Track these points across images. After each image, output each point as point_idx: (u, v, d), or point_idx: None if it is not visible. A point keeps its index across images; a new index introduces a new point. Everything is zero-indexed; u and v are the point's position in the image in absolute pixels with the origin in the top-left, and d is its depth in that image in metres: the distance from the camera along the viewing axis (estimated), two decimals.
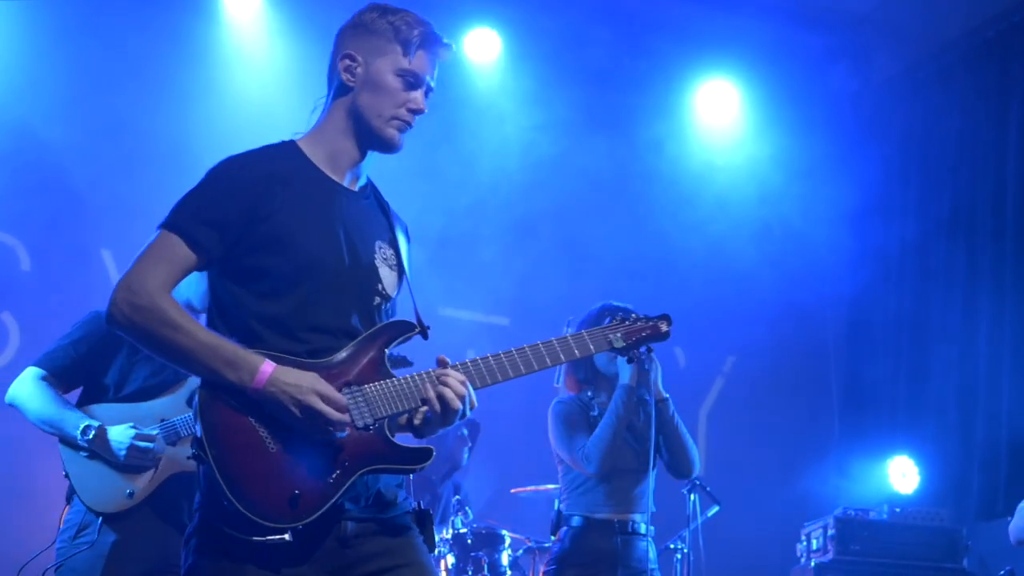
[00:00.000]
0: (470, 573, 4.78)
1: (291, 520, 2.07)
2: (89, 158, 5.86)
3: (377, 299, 2.29)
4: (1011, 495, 5.71)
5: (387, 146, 2.31)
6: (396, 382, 2.20)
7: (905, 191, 6.84)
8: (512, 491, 5.63)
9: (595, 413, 4.12)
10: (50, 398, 3.36)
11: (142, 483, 3.33)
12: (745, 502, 5.72)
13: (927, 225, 6.59)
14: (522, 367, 2.30)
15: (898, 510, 5.48)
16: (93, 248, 6.03)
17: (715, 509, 4.95)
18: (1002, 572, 4.68)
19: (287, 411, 2.09)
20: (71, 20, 5.97)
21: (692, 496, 4.78)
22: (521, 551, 5.13)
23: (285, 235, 2.19)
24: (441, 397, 2.18)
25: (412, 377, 2.21)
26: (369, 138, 2.30)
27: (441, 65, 2.40)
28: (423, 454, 2.19)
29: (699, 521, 4.74)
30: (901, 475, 6.22)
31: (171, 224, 2.18)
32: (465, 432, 5.55)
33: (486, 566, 4.79)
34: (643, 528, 4.07)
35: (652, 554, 4.11)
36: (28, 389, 3.40)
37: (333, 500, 2.11)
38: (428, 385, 2.20)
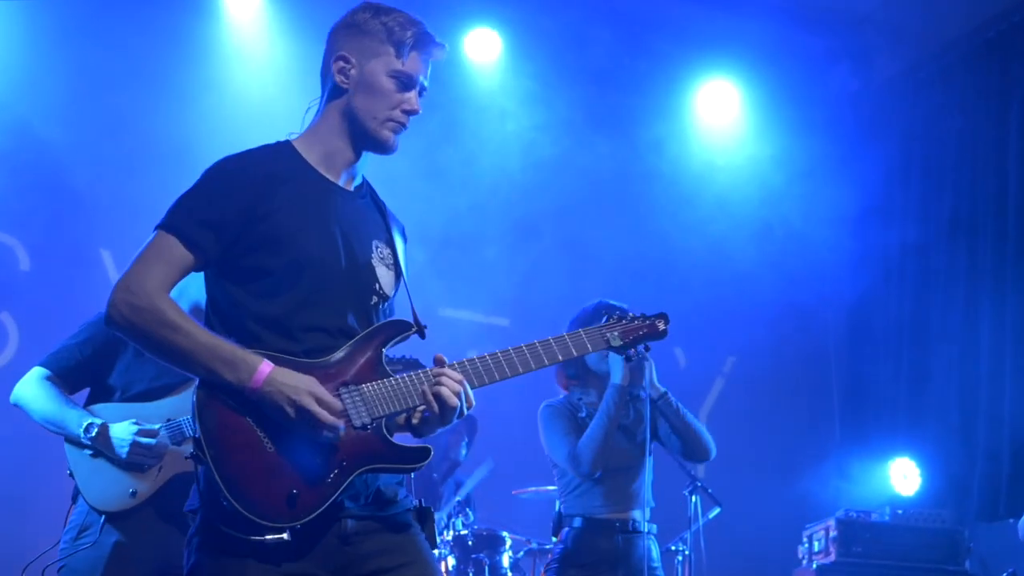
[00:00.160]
0: (471, 575, 4.77)
1: (289, 519, 2.07)
2: (89, 158, 5.85)
3: (374, 298, 2.29)
4: (1013, 497, 5.71)
5: (382, 147, 2.32)
6: (393, 381, 2.20)
7: (906, 192, 6.83)
8: (513, 492, 5.62)
9: (583, 414, 4.11)
10: (54, 397, 3.36)
11: (146, 482, 3.33)
12: (746, 504, 5.71)
13: (928, 226, 6.58)
14: (519, 366, 2.31)
15: (900, 512, 5.47)
16: (92, 248, 6.02)
17: (716, 511, 4.94)
18: (1004, 574, 4.67)
19: (283, 411, 2.09)
20: (71, 20, 5.96)
21: (693, 498, 4.78)
22: (522, 553, 5.12)
23: (282, 235, 2.19)
24: (438, 396, 2.19)
25: (409, 376, 2.21)
26: (364, 139, 2.31)
27: (442, 65, 2.40)
28: (421, 453, 2.19)
29: (700, 523, 4.74)
30: (902, 477, 6.21)
31: (168, 225, 2.19)
32: (460, 427, 5.53)
33: (487, 568, 4.78)
34: (644, 526, 4.07)
35: (655, 552, 4.11)
36: (32, 389, 3.40)
37: (331, 499, 2.11)
38: (425, 384, 2.20)
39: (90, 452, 3.33)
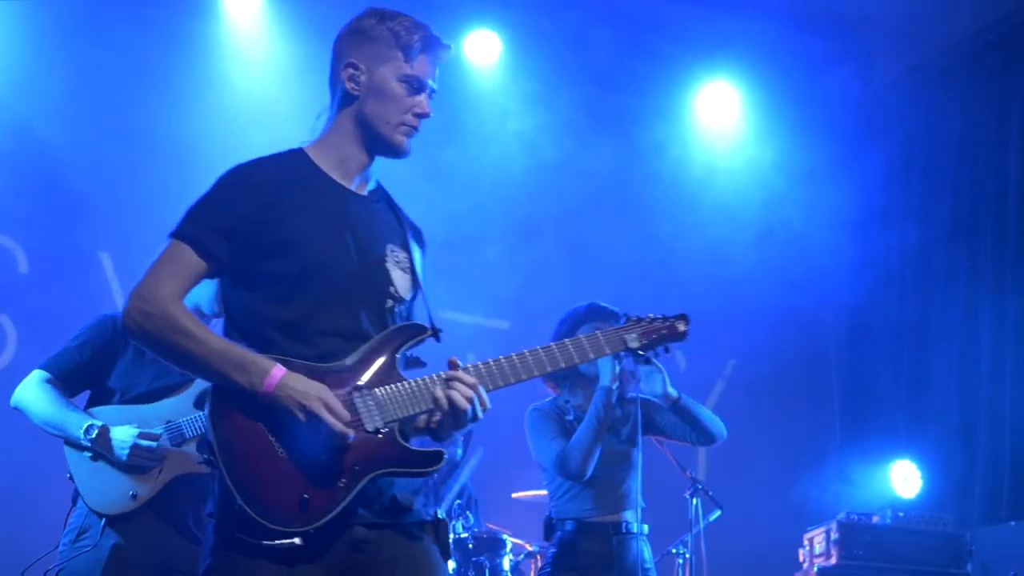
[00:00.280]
0: None
1: (301, 524, 2.08)
2: (88, 160, 5.83)
3: (389, 302, 2.29)
4: (1014, 499, 5.70)
5: (395, 152, 2.33)
6: (407, 385, 2.20)
7: (907, 194, 6.82)
8: (513, 495, 5.61)
9: (571, 417, 4.10)
10: (54, 400, 3.36)
11: (146, 485, 3.32)
12: (746, 506, 5.69)
13: (928, 229, 6.58)
14: (535, 369, 2.30)
15: (901, 514, 5.46)
16: (91, 251, 6.01)
17: (717, 514, 4.93)
18: None
19: (294, 416, 2.10)
20: (70, 21, 5.95)
21: (694, 500, 4.77)
22: (522, 556, 5.10)
23: (293, 240, 2.20)
24: (451, 400, 2.18)
25: (423, 380, 2.21)
26: (377, 144, 2.33)
27: (442, 67, 2.40)
28: (434, 457, 2.18)
29: (701, 525, 4.72)
30: (903, 479, 6.19)
31: (180, 232, 2.21)
32: None
33: (487, 571, 4.76)
34: (635, 527, 4.06)
35: (647, 554, 4.10)
36: (32, 392, 3.40)
37: (343, 504, 2.10)
38: (438, 387, 2.19)
39: (90, 455, 3.32)
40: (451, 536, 4.84)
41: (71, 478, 3.36)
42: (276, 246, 2.19)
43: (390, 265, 2.30)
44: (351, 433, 2.11)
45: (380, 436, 2.15)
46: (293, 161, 2.31)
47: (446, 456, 2.20)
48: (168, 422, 3.35)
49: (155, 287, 2.16)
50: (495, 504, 5.93)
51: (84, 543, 3.29)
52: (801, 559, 5.59)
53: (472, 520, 5.11)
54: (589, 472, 3.94)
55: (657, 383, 4.04)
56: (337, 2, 6.60)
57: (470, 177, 6.33)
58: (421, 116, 2.32)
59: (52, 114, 5.77)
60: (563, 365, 2.33)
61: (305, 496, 2.07)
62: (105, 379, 3.42)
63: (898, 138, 6.93)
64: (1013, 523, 5.34)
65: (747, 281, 6.65)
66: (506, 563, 4.88)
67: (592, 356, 2.37)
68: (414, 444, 2.20)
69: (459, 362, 2.24)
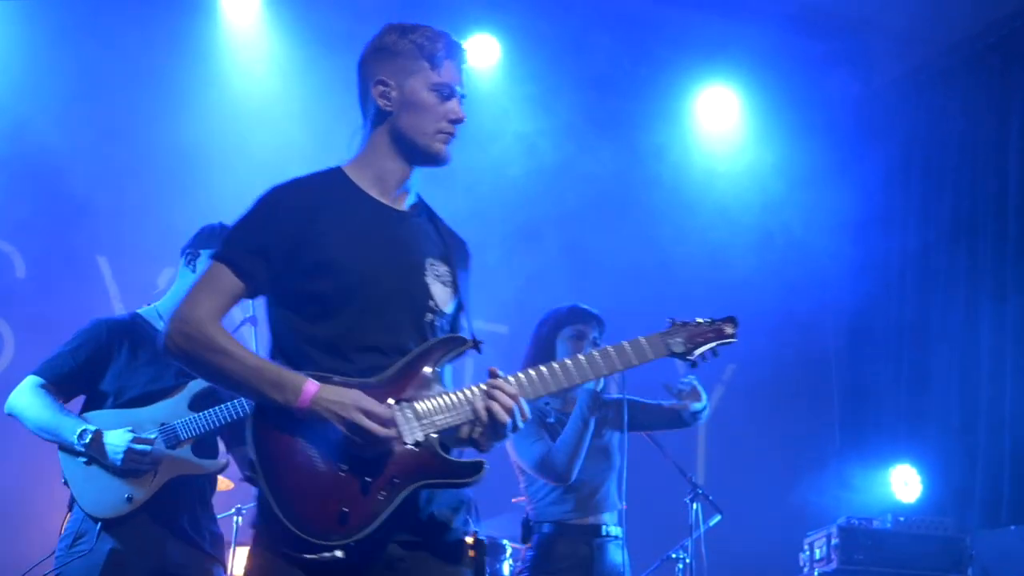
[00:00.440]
0: None
1: (341, 537, 2.10)
2: (86, 164, 5.82)
3: (429, 315, 2.31)
4: (1015, 503, 5.69)
5: (436, 160, 2.37)
6: (446, 397, 2.21)
7: (907, 197, 6.81)
8: (513, 500, 5.59)
9: (551, 420, 4.09)
10: (48, 405, 3.35)
11: (141, 488, 3.31)
12: (747, 511, 5.68)
13: (928, 232, 6.57)
14: (577, 377, 2.30)
15: (902, 519, 5.45)
16: (89, 255, 5.99)
17: (717, 518, 4.92)
18: None
19: (333, 429, 2.12)
20: (67, 23, 5.95)
21: (694, 505, 4.76)
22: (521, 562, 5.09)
23: (330, 259, 2.23)
24: (490, 411, 2.19)
25: (462, 391, 2.22)
26: (416, 156, 2.36)
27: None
28: (474, 467, 2.19)
29: (701, 530, 4.71)
30: (903, 484, 6.18)
31: (219, 254, 2.27)
32: None
33: None
34: (615, 530, 4.06)
35: (625, 558, 4.11)
36: (26, 398, 3.39)
37: (382, 517, 2.12)
38: (478, 399, 2.20)
39: (84, 460, 3.31)
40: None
41: (66, 483, 3.34)
42: (313, 265, 2.23)
43: (429, 279, 2.32)
44: (393, 435, 2.13)
45: (420, 448, 2.16)
46: (331, 180, 2.34)
47: (487, 467, 2.21)
48: (163, 424, 3.34)
49: (193, 308, 2.21)
50: (494, 509, 5.91)
51: (80, 548, 3.28)
52: (801, 563, 5.58)
53: (472, 526, 5.10)
54: (574, 474, 3.93)
55: (699, 403, 4.06)
56: (334, 4, 6.64)
57: (470, 180, 6.31)
58: (456, 122, 2.36)
59: (49, 117, 5.76)
60: (605, 372, 2.32)
61: (344, 509, 2.10)
62: (99, 383, 3.41)
63: (898, 140, 6.92)
64: (1013, 527, 5.34)
65: (747, 285, 6.63)
66: (506, 568, 4.86)
67: (636, 362, 2.35)
68: (454, 455, 2.22)
69: (499, 371, 2.25)
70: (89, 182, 5.83)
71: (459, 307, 2.38)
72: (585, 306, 4.18)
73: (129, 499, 3.29)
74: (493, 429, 2.19)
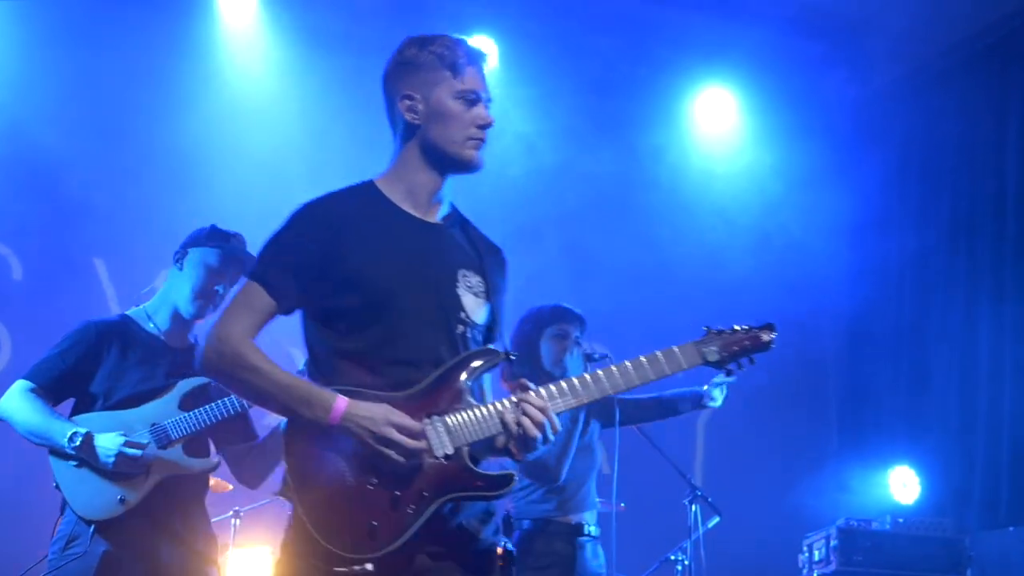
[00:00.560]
0: None
1: (371, 550, 2.13)
2: (82, 165, 5.81)
3: (460, 327, 2.32)
4: (1013, 504, 5.68)
5: (468, 167, 2.39)
6: (477, 411, 2.23)
7: (905, 199, 6.81)
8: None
9: None
10: (37, 409, 3.34)
11: (134, 489, 3.29)
12: (745, 513, 5.67)
13: (927, 233, 6.56)
14: (609, 387, 2.29)
15: (901, 520, 5.44)
16: (86, 257, 5.97)
17: (715, 520, 4.92)
18: None
19: (363, 444, 2.15)
20: (64, 24, 5.93)
21: (693, 507, 4.75)
22: None
23: (360, 274, 2.26)
24: (520, 423, 2.20)
25: (493, 404, 2.24)
26: (448, 165, 2.37)
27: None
28: (504, 480, 2.20)
29: (700, 532, 4.70)
30: (902, 485, 6.18)
31: (253, 272, 2.31)
32: None
33: None
34: (595, 530, 4.10)
35: (602, 559, 4.14)
36: (16, 402, 3.38)
37: (412, 530, 2.14)
38: (508, 412, 2.22)
39: (75, 462, 3.30)
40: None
41: (57, 487, 3.33)
42: (344, 281, 2.25)
43: (461, 290, 2.33)
44: (424, 447, 2.15)
45: (449, 462, 2.18)
46: (362, 194, 2.37)
47: (515, 479, 2.22)
48: (153, 424, 3.33)
49: (227, 327, 2.25)
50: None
51: (74, 550, 3.26)
52: (800, 565, 5.58)
53: (501, 537, 5.09)
54: (564, 474, 3.94)
55: (715, 404, 4.13)
56: (331, 4, 6.63)
57: (469, 181, 6.31)
58: (485, 126, 2.37)
59: (46, 118, 5.75)
60: (638, 383, 2.30)
61: (374, 523, 2.13)
62: (89, 385, 3.40)
63: (896, 141, 6.92)
64: (1012, 528, 5.33)
65: (744, 286, 6.63)
66: None
67: (669, 371, 2.33)
68: (484, 468, 2.24)
69: (529, 384, 2.25)
70: (86, 184, 5.81)
71: (493, 317, 2.39)
72: (567, 305, 4.19)
73: (122, 500, 3.27)
74: (524, 442, 2.21)
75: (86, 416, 3.36)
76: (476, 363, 2.27)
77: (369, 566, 2.11)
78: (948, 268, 6.40)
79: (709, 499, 4.84)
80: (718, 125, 7.06)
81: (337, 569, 2.12)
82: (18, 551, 3.85)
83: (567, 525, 4.02)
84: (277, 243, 2.31)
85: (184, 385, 3.39)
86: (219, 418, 3.32)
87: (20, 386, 3.39)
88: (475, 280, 2.36)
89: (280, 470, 4.37)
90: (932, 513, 5.79)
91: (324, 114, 6.19)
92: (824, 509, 6.18)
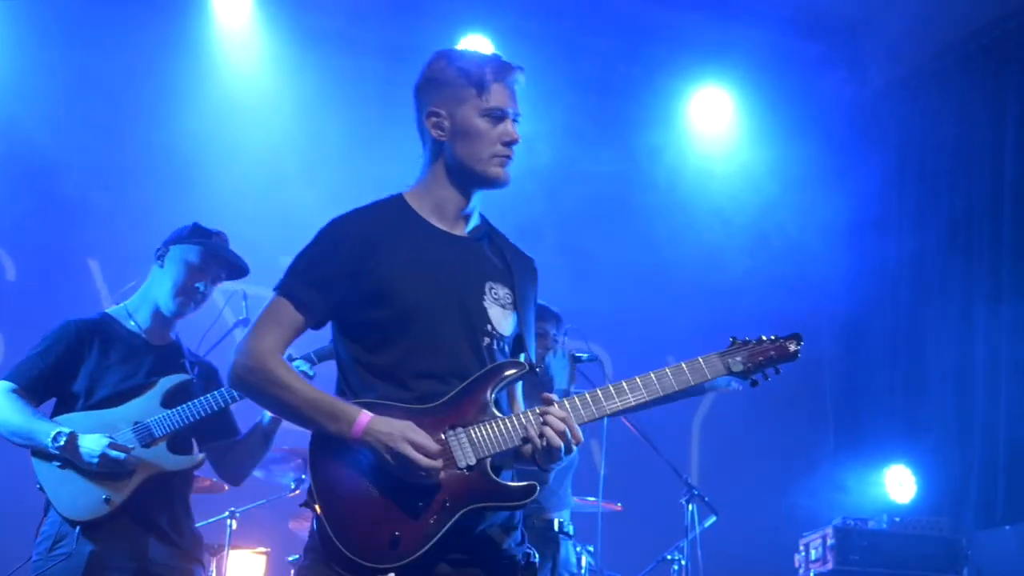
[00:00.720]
0: None
1: (393, 560, 2.17)
2: (77, 166, 5.79)
3: (487, 339, 2.34)
4: (1010, 504, 5.69)
5: (494, 184, 2.40)
6: (500, 422, 2.26)
7: (901, 199, 6.82)
8: None
9: None
10: (19, 410, 3.31)
11: (119, 488, 3.27)
12: (742, 512, 5.67)
13: (923, 233, 6.57)
14: (632, 399, 2.31)
15: (897, 519, 5.45)
16: (80, 258, 5.95)
17: (712, 519, 4.91)
18: None
19: (382, 458, 2.20)
20: (58, 24, 5.91)
21: (690, 506, 4.74)
22: None
23: (387, 288, 2.29)
24: (543, 435, 2.23)
25: (516, 416, 2.27)
26: (474, 181, 2.39)
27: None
28: (526, 491, 2.24)
29: (697, 531, 4.70)
30: (898, 484, 6.18)
31: (281, 287, 2.34)
32: None
33: None
34: (570, 528, 4.12)
35: (574, 558, 4.19)
36: None
37: (434, 540, 2.18)
38: (531, 424, 2.25)
39: (59, 463, 3.27)
40: None
41: (41, 488, 3.30)
42: (371, 296, 2.29)
43: (488, 303, 2.36)
44: (438, 466, 2.19)
45: (472, 472, 2.22)
46: (391, 208, 2.40)
47: (538, 489, 2.24)
48: (136, 423, 3.31)
49: (256, 342, 2.29)
50: None
51: (61, 551, 3.23)
52: (797, 564, 5.58)
53: (526, 546, 5.10)
54: (552, 475, 3.94)
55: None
56: (326, 3, 6.59)
57: None
58: (510, 143, 2.38)
59: (41, 118, 5.72)
60: (661, 393, 2.31)
61: (396, 534, 2.17)
62: (71, 384, 3.37)
63: (892, 142, 6.92)
64: (1008, 527, 5.34)
65: (742, 286, 6.63)
66: None
67: (693, 382, 2.34)
68: (505, 478, 2.27)
69: (553, 397, 2.28)
70: (80, 184, 5.79)
71: (520, 328, 2.41)
72: (542, 303, 4.19)
73: (107, 500, 3.25)
74: (548, 452, 2.24)
75: (68, 416, 3.34)
76: (501, 375, 2.30)
77: (391, 575, 2.16)
78: (945, 268, 6.40)
79: (706, 498, 4.84)
80: (715, 125, 7.06)
81: None
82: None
83: (546, 522, 4.04)
84: (305, 258, 2.34)
85: (166, 382, 3.37)
86: (202, 415, 3.31)
87: (1, 387, 3.36)
88: (503, 292, 2.39)
89: (295, 469, 4.31)
90: (928, 512, 5.79)
91: (319, 113, 6.17)
92: (821, 508, 6.19)
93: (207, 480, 4.23)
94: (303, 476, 4.48)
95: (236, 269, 3.50)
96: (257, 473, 4.55)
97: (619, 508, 4.89)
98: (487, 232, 2.48)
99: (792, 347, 2.46)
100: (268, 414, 3.38)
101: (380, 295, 2.28)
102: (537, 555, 2.39)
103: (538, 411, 2.25)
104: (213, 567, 4.51)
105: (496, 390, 2.29)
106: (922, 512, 5.82)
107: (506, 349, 2.38)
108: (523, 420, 2.25)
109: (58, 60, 5.89)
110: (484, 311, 2.34)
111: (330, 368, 3.25)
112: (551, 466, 2.29)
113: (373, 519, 2.19)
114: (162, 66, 6.08)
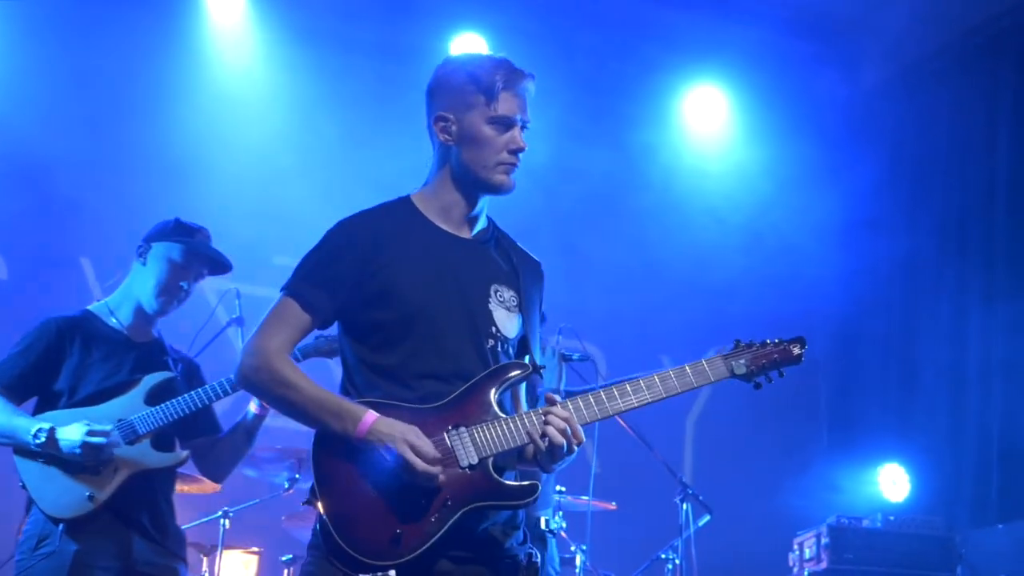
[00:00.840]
0: None
1: (394, 558, 2.19)
2: (69, 164, 5.76)
3: (491, 341, 2.36)
4: (1003, 502, 5.70)
5: (499, 191, 2.41)
6: (502, 422, 2.27)
7: (895, 198, 6.82)
8: None
9: None
10: (0, 408, 3.28)
11: (102, 486, 3.25)
12: (736, 511, 5.67)
13: (917, 232, 6.57)
14: (635, 400, 2.32)
15: (892, 518, 5.45)
16: (72, 256, 5.93)
17: (706, 518, 4.91)
18: None
19: (383, 458, 2.22)
20: (53, 24, 5.89)
21: (684, 505, 4.74)
22: None
23: (392, 290, 2.32)
24: (545, 434, 2.25)
25: (518, 416, 2.28)
26: (479, 187, 2.41)
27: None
28: (527, 490, 2.25)
29: (691, 530, 4.69)
30: (891, 483, 6.19)
31: (287, 287, 2.36)
32: None
33: None
34: (554, 525, 4.14)
35: (556, 555, 4.20)
36: None
37: (435, 538, 2.21)
38: (533, 424, 2.27)
39: (42, 460, 3.25)
40: None
41: (23, 486, 3.28)
42: (377, 297, 2.31)
43: (493, 305, 2.38)
44: (435, 471, 2.21)
45: (473, 472, 2.24)
46: (398, 210, 2.42)
47: (540, 489, 2.25)
48: (120, 420, 3.29)
49: (263, 341, 2.32)
50: None
51: (44, 550, 3.21)
52: (791, 563, 5.58)
53: (528, 545, 5.10)
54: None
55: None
56: (319, 2, 6.57)
57: None
58: (516, 152, 2.39)
59: (32, 116, 5.71)
60: (664, 395, 2.32)
61: (398, 532, 2.20)
62: (52, 383, 3.35)
63: (887, 141, 6.93)
64: (1001, 526, 5.34)
65: (736, 286, 6.63)
66: None
67: (696, 384, 2.35)
68: (508, 478, 2.29)
69: (556, 397, 2.30)
70: (72, 182, 5.77)
71: (524, 331, 2.42)
72: None
73: (90, 498, 3.23)
74: (550, 453, 2.26)
75: (51, 414, 3.31)
76: (505, 376, 2.32)
77: (392, 573, 2.18)
78: (939, 267, 6.41)
79: (700, 497, 4.83)
80: (710, 124, 7.06)
81: (360, 575, 2.19)
82: None
83: (532, 519, 4.03)
84: (312, 259, 2.36)
85: (150, 380, 3.35)
86: (186, 412, 3.29)
87: None
88: (508, 294, 2.41)
89: (289, 469, 4.28)
90: (922, 511, 5.80)
91: (313, 111, 6.16)
92: (814, 507, 6.19)
93: (202, 480, 4.21)
94: (296, 476, 4.46)
95: (219, 265, 3.48)
96: (250, 473, 4.55)
97: (613, 507, 4.89)
98: (494, 234, 2.50)
99: (796, 350, 2.45)
100: (251, 411, 3.37)
101: (386, 296, 2.30)
102: (539, 555, 2.39)
103: (541, 411, 2.27)
104: (205, 566, 4.49)
105: (500, 391, 2.30)
106: (916, 511, 5.83)
107: (510, 351, 2.39)
108: (526, 420, 2.26)
109: (50, 59, 5.87)
110: (489, 313, 2.36)
111: (319, 365, 3.27)
112: (553, 467, 2.29)
113: (375, 517, 2.21)
114: (155, 65, 6.07)
